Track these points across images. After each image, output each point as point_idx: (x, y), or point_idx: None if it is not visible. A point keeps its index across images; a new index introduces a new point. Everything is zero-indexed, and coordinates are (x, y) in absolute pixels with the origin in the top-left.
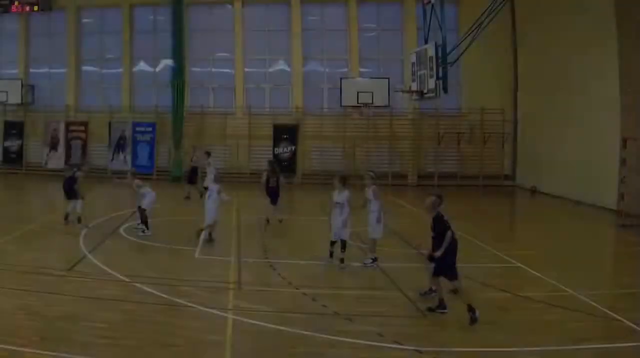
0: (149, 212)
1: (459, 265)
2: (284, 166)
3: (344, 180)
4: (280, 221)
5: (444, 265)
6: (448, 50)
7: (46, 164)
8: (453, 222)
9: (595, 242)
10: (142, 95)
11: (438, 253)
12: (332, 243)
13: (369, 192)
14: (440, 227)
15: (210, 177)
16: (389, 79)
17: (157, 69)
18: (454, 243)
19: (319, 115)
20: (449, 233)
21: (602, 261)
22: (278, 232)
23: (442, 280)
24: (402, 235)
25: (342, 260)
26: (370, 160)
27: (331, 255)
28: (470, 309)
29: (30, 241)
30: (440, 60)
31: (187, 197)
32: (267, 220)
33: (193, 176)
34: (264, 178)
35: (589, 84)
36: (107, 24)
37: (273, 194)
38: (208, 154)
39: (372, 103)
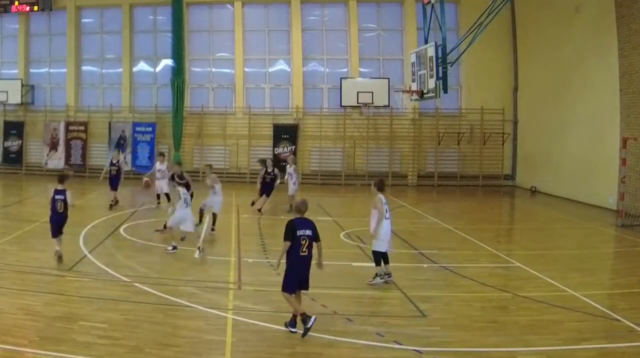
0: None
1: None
2: (283, 166)
3: (382, 186)
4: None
5: (284, 280)
6: (448, 50)
7: (46, 164)
8: (453, 221)
9: (595, 241)
10: (142, 95)
11: (276, 262)
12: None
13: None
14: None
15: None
16: (389, 79)
17: (157, 69)
18: (293, 258)
19: (319, 115)
20: (285, 244)
21: (602, 261)
22: (278, 232)
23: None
24: (402, 235)
25: (389, 275)
26: (370, 160)
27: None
28: (296, 321)
29: (30, 241)
30: (440, 60)
31: (117, 202)
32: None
33: (116, 181)
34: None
35: (588, 83)
36: (107, 24)
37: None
38: None
39: (372, 103)
